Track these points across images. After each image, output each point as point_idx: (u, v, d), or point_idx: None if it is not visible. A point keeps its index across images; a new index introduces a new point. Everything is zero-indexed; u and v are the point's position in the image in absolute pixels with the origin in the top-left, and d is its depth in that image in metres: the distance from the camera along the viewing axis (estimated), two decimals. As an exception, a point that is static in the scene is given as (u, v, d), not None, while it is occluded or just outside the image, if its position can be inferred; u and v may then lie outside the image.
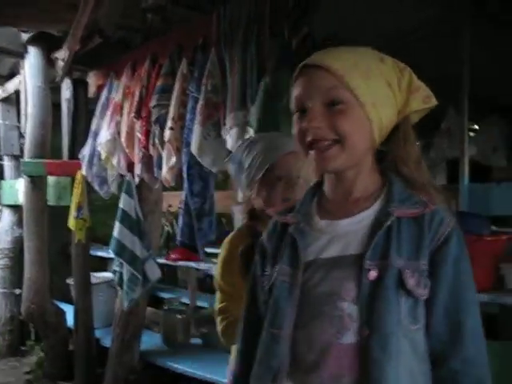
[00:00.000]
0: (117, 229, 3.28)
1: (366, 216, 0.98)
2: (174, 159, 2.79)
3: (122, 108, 3.27)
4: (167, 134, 2.80)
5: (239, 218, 2.66)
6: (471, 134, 4.82)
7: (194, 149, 2.61)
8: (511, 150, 5.27)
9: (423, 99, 1.01)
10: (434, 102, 1.02)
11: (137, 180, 3.18)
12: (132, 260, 3.23)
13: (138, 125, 3.09)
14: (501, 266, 2.14)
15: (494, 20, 3.19)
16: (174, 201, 3.90)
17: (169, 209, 4.10)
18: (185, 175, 2.74)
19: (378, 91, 0.98)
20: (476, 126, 5.18)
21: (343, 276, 0.94)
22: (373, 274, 0.92)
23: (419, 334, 0.93)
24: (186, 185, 2.74)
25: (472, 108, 2.87)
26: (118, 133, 3.27)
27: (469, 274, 0.97)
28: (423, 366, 0.94)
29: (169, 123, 2.81)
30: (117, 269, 3.32)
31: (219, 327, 1.54)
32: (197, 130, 2.61)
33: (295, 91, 1.01)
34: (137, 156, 3.11)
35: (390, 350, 0.89)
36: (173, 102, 2.81)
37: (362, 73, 0.98)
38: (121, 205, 3.29)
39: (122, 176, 3.38)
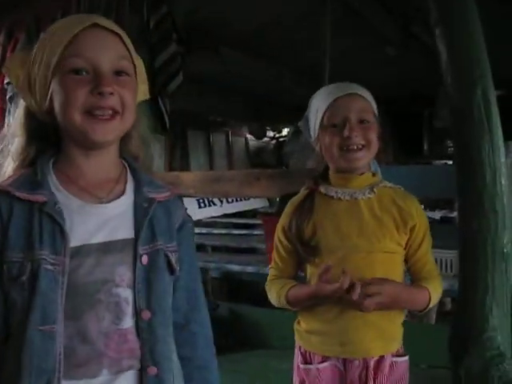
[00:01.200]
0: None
1: (126, 200, 0.97)
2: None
3: (-25, 83, 3.05)
4: (23, 112, 2.65)
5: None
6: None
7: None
8: (383, 142, 5.57)
9: (145, 92, 1.05)
10: (148, 96, 1.06)
11: (-9, 161, 2.98)
12: None
13: (-8, 102, 2.90)
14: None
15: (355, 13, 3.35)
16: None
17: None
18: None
19: (140, 75, 1.01)
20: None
21: (115, 261, 0.92)
22: (146, 259, 0.94)
23: None
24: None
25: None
26: (-29, 110, 3.05)
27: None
28: None
29: (25, 101, 2.66)
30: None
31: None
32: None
33: (80, 47, 0.90)
34: (-9, 135, 2.92)
35: (168, 325, 0.98)
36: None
37: (134, 51, 0.99)
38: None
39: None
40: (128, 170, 1.01)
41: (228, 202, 5.12)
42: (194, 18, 3.18)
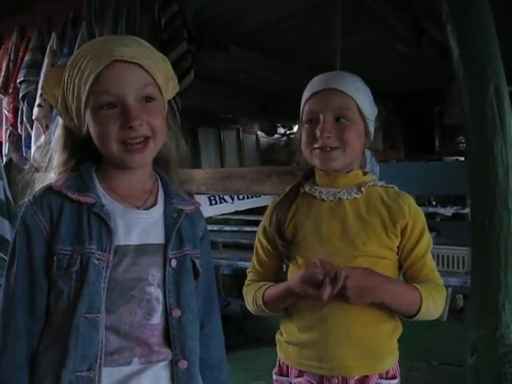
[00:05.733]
0: (-16, 212, 3.10)
1: (159, 209, 1.07)
2: (43, 138, 2.67)
3: (-13, 83, 3.08)
4: (35, 111, 2.68)
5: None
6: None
7: (63, 127, 2.51)
8: (386, 134, 5.59)
9: (175, 86, 1.11)
10: (178, 88, 1.12)
11: (5, 160, 3.02)
12: (1, 244, 3.07)
13: (5, 101, 2.94)
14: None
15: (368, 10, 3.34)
16: (50, 182, 3.74)
17: (45, 190, 3.92)
18: (54, 155, 2.64)
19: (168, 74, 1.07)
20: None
21: (149, 263, 1.02)
22: (175, 262, 1.04)
23: None
24: (55, 165, 2.65)
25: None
26: (-16, 109, 3.09)
27: None
28: None
29: (37, 100, 2.69)
30: (-15, 253, 3.14)
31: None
32: (66, 107, 2.51)
33: (106, 84, 0.97)
34: (4, 134, 2.96)
35: (196, 322, 1.07)
36: (41, 78, 2.69)
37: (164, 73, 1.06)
38: (-12, 186, 3.10)
39: (-12, 156, 3.18)
40: (159, 182, 1.10)
41: (239, 199, 5.12)
42: (205, 16, 3.19)
